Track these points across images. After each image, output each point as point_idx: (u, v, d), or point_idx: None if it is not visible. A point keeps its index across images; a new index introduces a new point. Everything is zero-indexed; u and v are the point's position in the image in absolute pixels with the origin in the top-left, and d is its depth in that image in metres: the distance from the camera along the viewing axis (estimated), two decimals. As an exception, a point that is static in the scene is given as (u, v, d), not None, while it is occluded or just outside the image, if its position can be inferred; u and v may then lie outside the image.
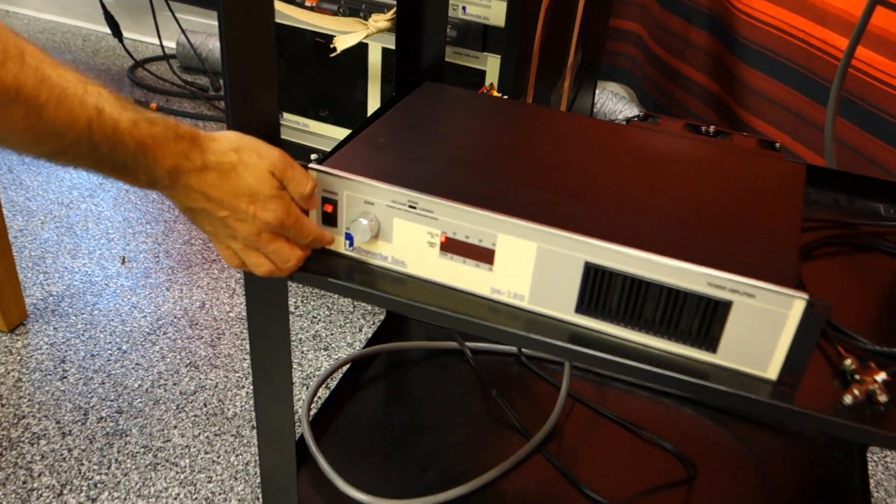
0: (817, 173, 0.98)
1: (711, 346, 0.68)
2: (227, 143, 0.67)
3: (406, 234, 0.74)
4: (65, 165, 0.60)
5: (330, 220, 0.76)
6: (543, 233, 0.69)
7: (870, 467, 1.17)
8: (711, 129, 0.93)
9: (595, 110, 2.08)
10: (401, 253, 0.76)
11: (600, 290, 0.69)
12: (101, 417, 1.24)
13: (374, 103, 1.42)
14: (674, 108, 1.99)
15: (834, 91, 1.13)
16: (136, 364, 1.35)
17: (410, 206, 0.72)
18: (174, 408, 1.27)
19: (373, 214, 0.74)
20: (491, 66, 1.30)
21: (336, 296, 1.54)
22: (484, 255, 0.72)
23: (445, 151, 0.82)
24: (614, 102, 2.08)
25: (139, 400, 1.28)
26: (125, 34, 2.32)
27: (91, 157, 0.60)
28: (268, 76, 0.71)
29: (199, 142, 0.65)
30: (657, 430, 1.11)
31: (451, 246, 0.73)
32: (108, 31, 2.32)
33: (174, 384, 1.31)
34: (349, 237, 0.77)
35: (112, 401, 1.27)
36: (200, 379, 1.33)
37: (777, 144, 0.91)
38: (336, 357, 1.39)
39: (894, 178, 1.38)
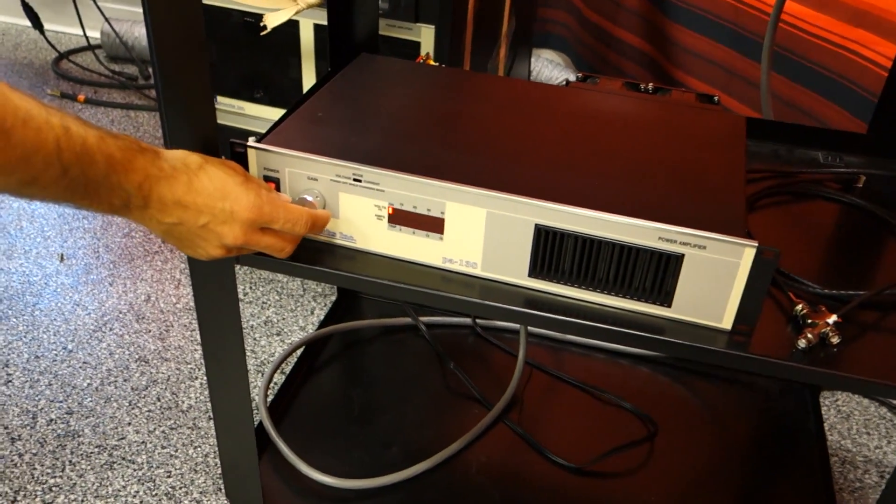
0: (756, 125, 0.98)
1: (666, 300, 0.68)
2: (187, 151, 0.67)
3: (353, 208, 0.72)
4: (32, 198, 0.57)
5: (273, 199, 0.74)
6: (492, 198, 0.67)
7: (822, 411, 1.19)
8: (650, 86, 0.92)
9: (531, 77, 2.08)
10: (349, 228, 0.74)
11: (552, 251, 0.68)
12: (51, 420, 1.20)
13: (309, 81, 1.39)
14: (608, 71, 1.99)
15: (766, 45, 1.14)
16: (84, 363, 1.31)
17: (355, 180, 0.70)
18: (126, 404, 1.23)
19: (317, 190, 0.72)
20: (425, 36, 1.28)
21: (285, 279, 1.51)
22: (433, 225, 0.71)
23: (387, 122, 0.80)
24: (550, 69, 2.07)
25: (89, 399, 1.24)
26: (46, 26, 2.23)
27: (61, 183, 0.57)
28: (198, 60, 0.68)
29: (161, 152, 0.64)
30: (616, 391, 1.11)
31: (400, 217, 0.71)
32: (27, 23, 2.22)
33: (125, 380, 1.27)
34: (294, 216, 0.74)
35: (61, 402, 1.23)
36: (152, 373, 1.29)
37: (715, 98, 0.91)
38: (289, 341, 1.36)
39: (828, 126, 1.40)
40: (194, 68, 0.68)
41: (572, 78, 0.95)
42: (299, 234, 0.71)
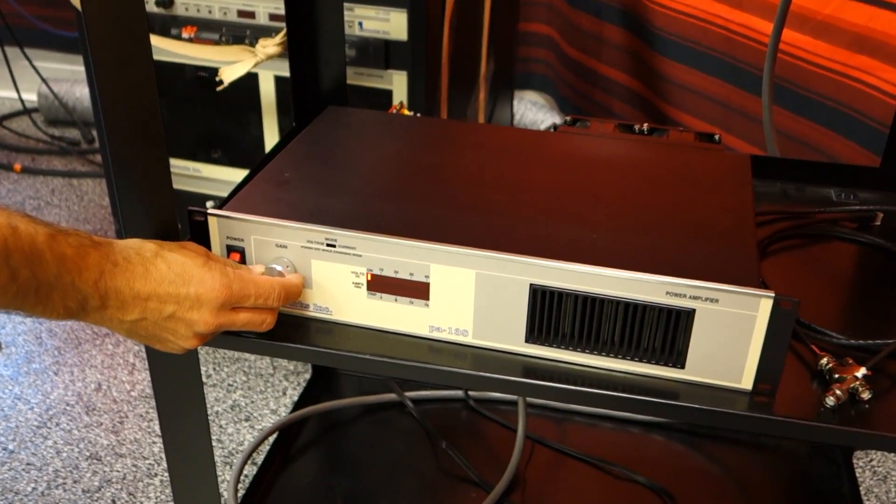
0: (762, 163, 1.00)
1: (678, 361, 0.68)
2: (140, 240, 0.68)
3: (327, 276, 0.72)
4: None
5: (238, 271, 0.74)
6: (481, 257, 0.68)
7: (856, 474, 1.19)
8: (645, 127, 0.94)
9: (514, 122, 2.11)
10: (323, 299, 0.74)
11: (550, 313, 0.68)
12: (-9, 532, 1.17)
13: (271, 139, 1.40)
14: (595, 111, 2.03)
15: (766, 76, 1.16)
16: (27, 464, 1.28)
17: (329, 245, 0.71)
18: (77, 510, 1.20)
19: (287, 259, 0.72)
20: (397, 83, 1.30)
21: (253, 358, 1.50)
22: (417, 291, 0.71)
23: (361, 180, 0.80)
24: (534, 112, 2.10)
25: (35, 506, 1.21)
26: (-23, 90, 2.25)
27: (10, 289, 0.57)
28: (154, 142, 0.69)
29: (113, 244, 0.65)
30: (627, 463, 1.11)
31: (380, 284, 0.71)
32: (-44, 89, 2.24)
33: (75, 482, 1.25)
34: (262, 288, 0.74)
35: (2, 511, 1.20)
36: (105, 472, 1.27)
37: (716, 137, 0.93)
38: (260, 427, 1.35)
39: (837, 161, 1.43)
40: (149, 151, 0.69)
41: (559, 121, 0.97)
42: (273, 309, 0.71)
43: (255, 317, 0.70)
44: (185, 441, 0.83)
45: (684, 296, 0.65)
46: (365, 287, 0.72)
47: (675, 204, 0.78)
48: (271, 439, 1.18)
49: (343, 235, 0.70)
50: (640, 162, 0.86)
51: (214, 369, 1.48)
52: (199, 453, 0.84)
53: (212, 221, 0.73)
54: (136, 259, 0.64)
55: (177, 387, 0.80)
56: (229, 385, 1.44)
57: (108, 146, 0.68)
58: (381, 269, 0.71)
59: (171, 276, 0.65)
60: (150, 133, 0.69)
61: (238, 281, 0.67)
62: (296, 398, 1.34)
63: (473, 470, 1.09)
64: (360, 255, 0.70)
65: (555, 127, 0.94)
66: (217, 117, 1.41)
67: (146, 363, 1.51)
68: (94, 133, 2.22)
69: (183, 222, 0.74)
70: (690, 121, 1.74)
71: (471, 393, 1.22)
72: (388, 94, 1.31)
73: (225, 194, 0.77)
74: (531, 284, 0.67)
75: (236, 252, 0.73)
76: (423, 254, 0.69)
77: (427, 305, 0.71)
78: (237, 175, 1.43)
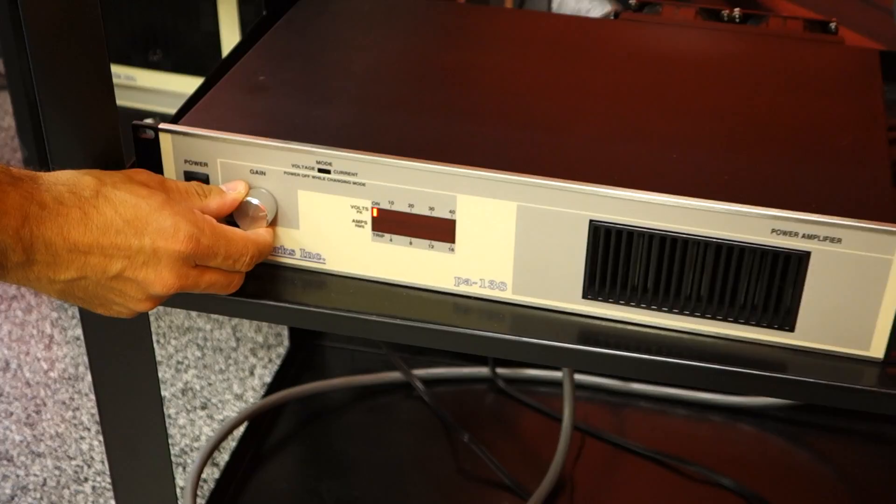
0: (892, 62, 0.99)
1: (786, 321, 0.68)
2: (73, 172, 0.67)
3: (319, 212, 0.73)
4: None
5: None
6: (524, 186, 0.68)
7: None
8: (736, 13, 0.93)
9: (552, 10, 2.09)
10: (314, 242, 0.74)
11: (616, 260, 0.69)
12: None
13: (230, 36, 1.40)
14: (661, -1, 2.01)
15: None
16: (-83, 467, 1.30)
17: (321, 171, 0.71)
18: (-16, 525, 1.22)
19: (265, 189, 0.72)
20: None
21: (209, 326, 1.51)
22: (439, 231, 0.71)
23: (361, 85, 0.80)
24: (577, -1, 2.09)
25: (-72, 521, 1.23)
26: None
27: None
28: (88, 8, 0.68)
29: (40, 180, 0.64)
30: (707, 461, 1.12)
31: (389, 222, 0.72)
32: None
33: (-21, 490, 1.27)
34: (233, 228, 0.75)
35: None
36: (19, 476, 1.29)
37: (831, 25, 0.92)
38: (221, 418, 1.36)
39: None
40: (86, 49, 0.68)
41: (607, 11, 0.96)
42: (240, 272, 0.72)
43: (221, 278, 0.71)
44: (134, 434, 0.84)
45: (796, 234, 0.65)
46: (369, 226, 0.72)
47: (781, 114, 0.78)
48: (237, 433, 1.20)
49: (340, 157, 0.70)
50: (731, 59, 0.86)
51: (159, 342, 1.49)
52: (153, 452, 0.85)
53: (164, 140, 0.73)
54: (70, 200, 0.64)
55: (122, 365, 0.81)
56: (179, 363, 1.45)
57: (30, 46, 0.67)
58: (390, 203, 0.71)
59: (118, 222, 0.64)
60: (87, 25, 0.68)
61: (209, 233, 0.67)
62: (267, 379, 1.35)
63: (505, 471, 1.11)
64: (363, 184, 0.71)
65: (616, 14, 0.94)
66: (157, 7, 1.40)
67: (67, 334, 1.53)
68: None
69: (126, 142, 0.74)
70: (790, 8, 1.73)
71: (499, 371, 1.22)
72: (386, -26, 1.31)
73: (169, 110, 0.77)
74: (591, 221, 0.68)
75: (197, 180, 0.73)
76: (448, 181, 0.69)
77: (452, 250, 0.71)
78: (185, 84, 1.43)
